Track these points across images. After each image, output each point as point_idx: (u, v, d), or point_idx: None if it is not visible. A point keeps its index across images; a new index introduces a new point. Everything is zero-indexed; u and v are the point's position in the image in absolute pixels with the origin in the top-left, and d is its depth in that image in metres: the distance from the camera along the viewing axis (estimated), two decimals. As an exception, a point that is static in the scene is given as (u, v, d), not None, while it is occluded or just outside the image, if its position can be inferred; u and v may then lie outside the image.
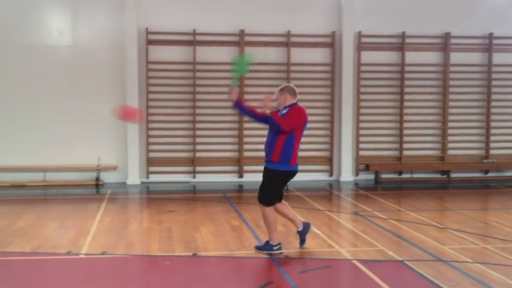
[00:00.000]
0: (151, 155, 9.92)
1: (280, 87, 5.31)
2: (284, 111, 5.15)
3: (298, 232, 5.42)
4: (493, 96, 10.61)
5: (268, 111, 5.12)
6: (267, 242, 5.24)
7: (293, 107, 5.16)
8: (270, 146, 5.11)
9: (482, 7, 10.58)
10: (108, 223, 6.59)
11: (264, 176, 5.21)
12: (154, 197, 8.68)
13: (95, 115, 9.70)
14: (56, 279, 4.60)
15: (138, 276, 4.83)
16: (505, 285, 4.37)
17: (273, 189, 5.18)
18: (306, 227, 5.44)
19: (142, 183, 9.81)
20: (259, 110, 5.25)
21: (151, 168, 9.94)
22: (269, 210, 5.18)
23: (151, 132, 9.90)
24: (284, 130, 4.99)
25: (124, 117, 5.74)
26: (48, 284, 4.46)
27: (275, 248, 5.19)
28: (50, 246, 5.53)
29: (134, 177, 9.76)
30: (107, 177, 9.81)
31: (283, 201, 5.36)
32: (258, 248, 5.26)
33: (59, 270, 4.84)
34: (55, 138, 9.66)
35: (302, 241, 5.43)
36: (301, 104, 5.25)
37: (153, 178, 9.93)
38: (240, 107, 5.30)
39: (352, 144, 10.31)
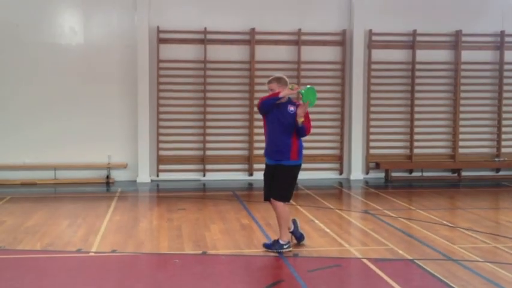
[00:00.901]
0: (162, 153, 9.97)
1: (274, 79, 5.24)
2: (291, 109, 5.17)
3: (291, 232, 5.38)
4: (505, 95, 10.49)
5: (301, 120, 5.10)
6: (277, 241, 5.23)
7: (300, 105, 5.19)
8: (284, 146, 5.11)
9: (494, 5, 10.45)
10: (118, 221, 6.65)
11: (280, 174, 5.14)
12: (164, 195, 8.72)
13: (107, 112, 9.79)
14: (66, 277, 4.64)
15: (147, 274, 4.85)
16: (517, 285, 4.34)
17: (292, 184, 5.20)
18: (295, 224, 5.44)
19: (152, 181, 9.86)
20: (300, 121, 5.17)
21: (162, 167, 9.99)
22: (283, 206, 5.18)
23: (161, 131, 9.95)
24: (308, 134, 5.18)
25: None
26: (58, 282, 4.51)
27: (285, 246, 5.19)
28: (61, 244, 5.59)
29: (144, 175, 9.82)
30: (117, 175, 9.88)
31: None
32: (267, 247, 5.24)
33: (69, 268, 4.89)
34: (66, 136, 9.74)
35: (300, 238, 5.42)
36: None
37: (163, 176, 9.98)
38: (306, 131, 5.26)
39: (362, 142, 10.27)
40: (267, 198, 5.30)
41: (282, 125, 5.12)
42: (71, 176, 9.74)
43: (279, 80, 5.25)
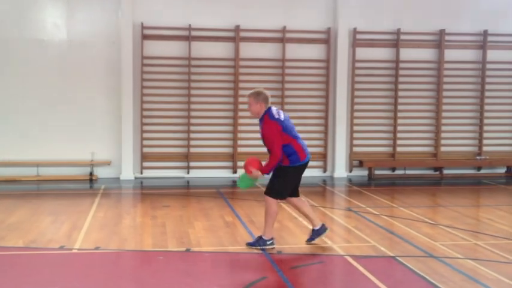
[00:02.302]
0: (146, 150, 9.91)
1: (253, 94, 5.19)
2: (260, 125, 5.16)
3: (313, 230, 5.39)
4: (487, 93, 10.66)
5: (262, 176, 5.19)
6: (260, 238, 5.26)
7: (264, 121, 5.13)
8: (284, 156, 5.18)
9: (477, 4, 10.61)
10: (101, 218, 6.59)
11: (274, 173, 5.25)
12: (148, 192, 8.68)
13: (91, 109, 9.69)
14: (49, 274, 4.59)
15: (130, 271, 4.83)
16: (496, 281, 4.42)
17: (283, 183, 5.20)
18: (322, 230, 5.39)
19: (136, 178, 9.80)
20: (270, 162, 5.17)
21: (146, 164, 9.93)
22: (274, 203, 5.21)
23: (145, 128, 9.88)
24: (279, 157, 5.08)
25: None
26: (40, 279, 4.46)
27: (268, 242, 5.22)
28: (43, 241, 5.52)
29: (128, 172, 9.75)
30: (101, 172, 9.79)
31: (302, 198, 5.43)
32: (251, 245, 5.27)
33: (52, 265, 4.84)
34: (49, 132, 9.62)
35: (311, 239, 5.42)
36: (273, 109, 5.20)
37: (147, 173, 9.93)
38: (271, 169, 5.21)
39: (346, 140, 10.35)
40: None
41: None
42: (53, 173, 9.62)
43: (257, 95, 5.20)
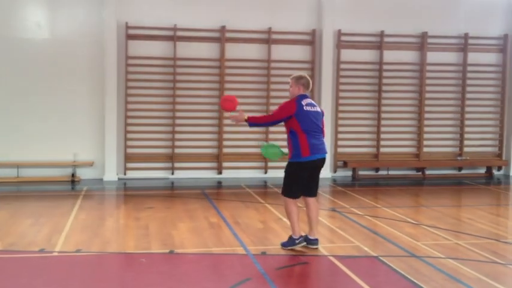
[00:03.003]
0: (129, 150, 9.82)
1: (295, 76, 5.28)
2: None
3: (307, 237, 5.35)
4: (468, 95, 10.83)
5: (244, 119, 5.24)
6: (290, 237, 5.28)
7: (289, 100, 5.23)
8: (287, 143, 5.23)
9: (458, 8, 10.78)
10: (83, 220, 6.51)
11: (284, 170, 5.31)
12: (132, 194, 8.60)
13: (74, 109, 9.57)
14: (28, 277, 4.51)
15: (112, 274, 4.78)
16: (476, 280, 4.48)
17: (291, 182, 5.20)
18: (312, 241, 5.32)
19: (119, 179, 9.70)
20: (260, 117, 5.33)
21: (129, 165, 9.84)
22: (289, 202, 5.22)
23: (129, 128, 9.79)
24: (272, 121, 5.17)
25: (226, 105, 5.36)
26: (20, 283, 4.38)
27: (297, 241, 5.24)
28: (23, 244, 5.43)
29: (111, 174, 9.65)
30: (83, 174, 9.67)
31: (317, 203, 5.39)
32: (283, 245, 5.28)
33: (32, 269, 4.76)
34: (29, 132, 9.47)
35: (295, 240, 5.38)
36: (307, 99, 5.23)
37: (131, 174, 9.84)
38: (254, 123, 5.30)
39: (330, 141, 10.40)
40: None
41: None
42: (34, 174, 9.47)
43: (299, 78, 5.28)
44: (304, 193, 5.30)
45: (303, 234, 5.38)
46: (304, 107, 5.15)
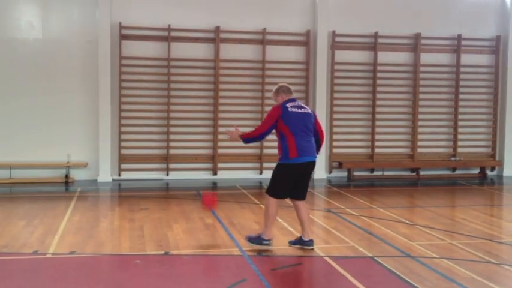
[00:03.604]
0: (124, 151, 9.78)
1: (273, 91, 5.44)
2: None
3: (301, 238, 5.35)
4: (461, 96, 10.90)
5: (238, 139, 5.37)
6: (259, 236, 5.29)
7: (273, 107, 5.30)
8: (278, 148, 5.28)
9: (452, 9, 10.84)
10: (77, 222, 6.47)
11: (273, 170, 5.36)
12: (126, 195, 8.56)
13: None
14: (21, 280, 4.47)
15: (107, 275, 4.75)
16: (470, 280, 4.50)
17: (278, 181, 5.21)
18: (309, 243, 5.32)
19: (113, 180, 9.66)
20: (251, 132, 5.37)
21: (124, 166, 9.80)
22: (272, 202, 5.21)
23: (123, 129, 9.75)
24: (261, 134, 5.20)
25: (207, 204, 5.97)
26: (13, 285, 4.34)
27: (265, 242, 5.24)
28: (16, 246, 5.38)
29: (105, 175, 9.60)
30: (77, 175, 9.62)
31: (306, 205, 5.39)
32: (249, 239, 5.29)
33: (25, 271, 4.71)
34: (22, 133, 9.41)
35: (294, 243, 5.40)
36: (293, 102, 5.31)
37: (125, 175, 9.80)
38: (248, 138, 5.34)
39: (325, 142, 10.35)
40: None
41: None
42: (27, 175, 9.40)
43: (275, 91, 5.43)
44: (292, 196, 5.31)
45: (305, 236, 5.34)
46: (289, 109, 5.20)
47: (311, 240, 5.34)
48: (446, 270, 4.72)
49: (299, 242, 5.36)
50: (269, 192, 5.25)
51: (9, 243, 5.47)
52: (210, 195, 6.02)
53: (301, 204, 5.34)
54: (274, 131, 5.27)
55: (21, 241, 5.57)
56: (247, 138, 5.32)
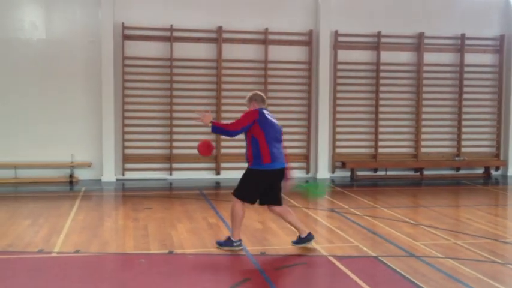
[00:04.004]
0: (127, 151, 9.80)
1: (247, 97, 5.37)
2: None
3: (300, 237, 5.37)
4: (465, 96, 10.87)
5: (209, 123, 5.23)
6: (228, 238, 5.26)
7: (250, 109, 5.25)
8: (246, 151, 5.23)
9: (455, 8, 10.82)
10: (82, 221, 6.49)
11: (243, 174, 5.29)
12: (130, 195, 8.58)
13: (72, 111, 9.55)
14: (26, 278, 4.49)
15: (111, 274, 4.76)
16: (475, 279, 4.49)
17: (248, 185, 5.20)
18: (310, 237, 5.36)
19: (117, 180, 9.68)
20: (223, 125, 5.30)
21: (127, 165, 9.82)
22: (238, 204, 5.20)
23: (127, 129, 9.77)
24: (234, 131, 5.11)
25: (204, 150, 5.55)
26: (18, 284, 4.36)
27: (235, 244, 5.22)
28: (21, 245, 5.40)
29: (109, 174, 9.62)
30: (81, 174, 9.64)
31: (287, 208, 5.39)
32: (219, 244, 5.27)
33: (30, 270, 4.73)
34: (27, 133, 9.44)
35: (296, 243, 5.40)
36: (267, 110, 5.31)
37: (129, 175, 9.82)
38: (217, 128, 5.25)
39: (328, 141, 10.41)
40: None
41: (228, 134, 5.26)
42: (32, 175, 9.43)
43: (248, 98, 5.36)
44: (268, 203, 5.29)
45: (302, 234, 5.36)
46: (266, 115, 5.21)
47: (309, 234, 5.37)
48: (451, 270, 4.71)
49: (300, 241, 5.36)
50: (237, 195, 5.20)
51: (15, 242, 5.49)
52: (206, 143, 5.50)
53: (280, 209, 5.32)
54: (244, 135, 5.20)
55: (26, 240, 5.59)
56: (217, 128, 5.19)
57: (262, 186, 5.20)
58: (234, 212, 5.22)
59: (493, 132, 11.10)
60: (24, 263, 4.94)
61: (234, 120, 5.21)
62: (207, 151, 5.46)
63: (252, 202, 5.28)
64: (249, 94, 5.39)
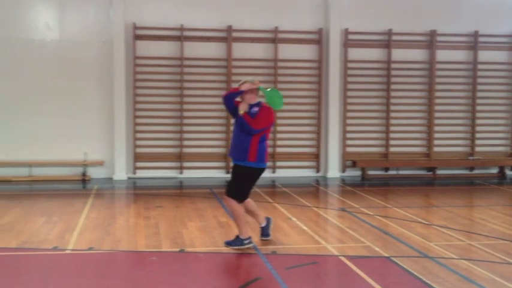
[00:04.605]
0: (138, 150, 9.86)
1: (249, 86, 5.22)
2: (255, 110, 5.15)
3: (262, 228, 5.47)
4: (478, 94, 10.74)
5: (241, 112, 5.10)
6: (237, 237, 5.24)
7: (264, 107, 5.19)
8: (242, 147, 5.11)
9: (468, 5, 10.69)
10: (94, 219, 6.54)
11: (236, 173, 5.20)
12: (141, 193, 8.62)
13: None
14: (41, 275, 4.54)
15: (124, 272, 4.79)
16: (490, 281, 4.43)
17: (247, 185, 5.20)
18: (268, 222, 5.51)
19: (129, 178, 9.74)
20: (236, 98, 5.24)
21: (138, 164, 9.87)
22: (238, 205, 5.19)
23: (138, 128, 9.83)
24: (255, 131, 5.05)
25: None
26: (33, 280, 4.41)
27: (245, 242, 5.20)
28: (36, 242, 5.46)
29: (121, 173, 9.69)
30: (94, 173, 9.72)
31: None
32: (228, 244, 5.25)
33: (45, 266, 4.79)
34: (41, 132, 9.54)
35: (266, 235, 5.48)
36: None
37: (140, 174, 9.87)
38: (230, 100, 5.21)
39: (338, 140, 10.36)
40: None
41: (242, 127, 5.10)
42: (46, 173, 9.54)
43: (253, 89, 5.24)
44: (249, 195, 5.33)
45: (264, 224, 5.43)
46: None
47: (268, 219, 5.53)
48: (466, 271, 4.65)
49: (265, 229, 5.49)
50: (237, 196, 5.15)
51: (30, 239, 5.55)
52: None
53: (247, 201, 5.32)
54: (238, 129, 5.14)
55: (41, 237, 5.66)
56: (245, 119, 5.07)
57: (254, 183, 5.26)
58: (235, 212, 5.19)
59: (508, 131, 10.95)
60: (39, 259, 5.00)
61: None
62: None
63: (244, 200, 5.28)
64: (246, 83, 5.19)
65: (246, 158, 5.10)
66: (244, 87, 5.16)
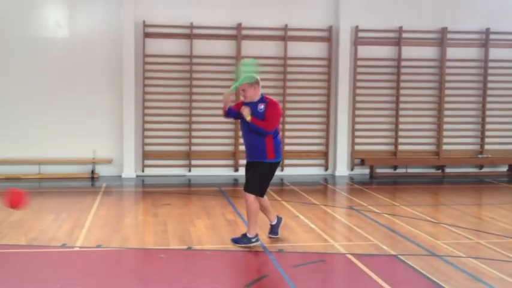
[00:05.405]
0: (147, 148, 9.91)
1: (253, 80, 5.20)
2: (261, 108, 5.13)
3: (271, 225, 5.49)
4: (489, 92, 10.63)
5: (248, 118, 5.08)
6: (244, 235, 5.25)
7: (270, 103, 5.17)
8: (259, 148, 5.13)
9: (479, 2, 10.57)
10: (103, 216, 6.60)
11: (254, 169, 5.21)
12: (150, 191, 8.68)
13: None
14: (50, 271, 4.60)
15: (132, 269, 4.84)
16: (499, 280, 4.40)
17: (267, 180, 5.23)
18: (279, 221, 5.54)
19: (137, 176, 9.80)
20: (261, 122, 5.19)
21: (147, 162, 9.93)
22: (255, 202, 5.22)
23: (147, 126, 9.88)
24: (270, 132, 5.10)
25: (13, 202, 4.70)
26: (42, 277, 4.47)
27: (253, 240, 5.22)
28: (45, 239, 5.53)
29: (129, 171, 9.75)
30: (102, 170, 9.79)
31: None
32: (235, 241, 5.27)
33: (54, 263, 4.84)
34: (50, 130, 9.63)
35: (275, 233, 5.50)
36: (276, 98, 5.38)
37: (149, 171, 9.93)
38: (255, 125, 5.12)
39: (347, 138, 10.33)
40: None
41: (258, 132, 5.12)
42: (55, 171, 9.62)
43: (251, 82, 5.20)
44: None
45: (274, 222, 5.48)
46: None
47: (279, 219, 5.58)
48: (474, 270, 4.63)
49: (275, 227, 5.51)
50: (257, 192, 5.18)
51: (39, 237, 5.62)
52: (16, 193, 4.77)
53: (262, 198, 5.36)
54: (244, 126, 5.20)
55: (50, 234, 5.72)
56: (255, 123, 5.08)
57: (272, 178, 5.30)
58: (251, 208, 5.20)
59: (518, 129, 10.84)
60: (48, 256, 5.06)
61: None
62: (15, 202, 4.66)
63: (264, 194, 5.33)
64: (247, 79, 5.15)
65: (265, 157, 5.16)
66: (225, 100, 5.25)
